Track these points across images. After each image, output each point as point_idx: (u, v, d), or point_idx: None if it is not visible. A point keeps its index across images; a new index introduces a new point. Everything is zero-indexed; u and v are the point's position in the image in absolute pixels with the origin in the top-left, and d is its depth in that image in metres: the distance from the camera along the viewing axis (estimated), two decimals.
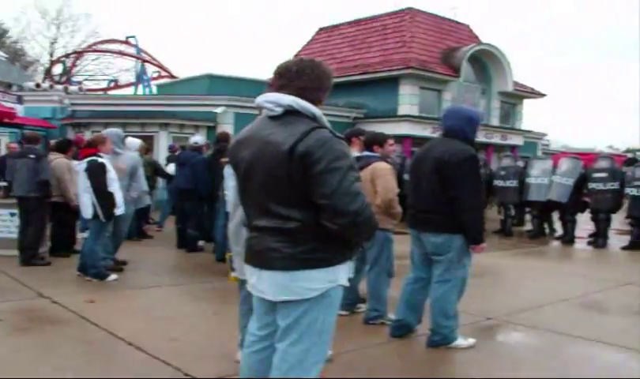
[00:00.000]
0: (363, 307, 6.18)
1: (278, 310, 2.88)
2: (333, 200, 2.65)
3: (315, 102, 2.87)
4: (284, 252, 2.76)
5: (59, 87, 24.36)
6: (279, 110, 2.83)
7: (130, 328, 5.51)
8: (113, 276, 7.70)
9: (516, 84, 25.76)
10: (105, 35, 44.75)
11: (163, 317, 6.06)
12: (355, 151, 5.72)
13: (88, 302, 6.34)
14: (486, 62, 25.11)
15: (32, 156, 8.60)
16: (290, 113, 2.81)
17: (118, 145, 8.55)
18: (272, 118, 2.86)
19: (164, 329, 5.56)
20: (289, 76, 2.88)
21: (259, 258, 2.87)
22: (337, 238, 2.77)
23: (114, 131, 8.95)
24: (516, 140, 26.17)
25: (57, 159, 9.07)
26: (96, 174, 7.53)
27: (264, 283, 2.87)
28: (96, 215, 7.54)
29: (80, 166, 7.69)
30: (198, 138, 11.78)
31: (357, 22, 27.30)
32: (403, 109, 22.71)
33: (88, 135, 17.51)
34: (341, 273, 2.87)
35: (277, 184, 2.75)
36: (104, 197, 7.55)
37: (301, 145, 2.67)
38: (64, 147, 9.55)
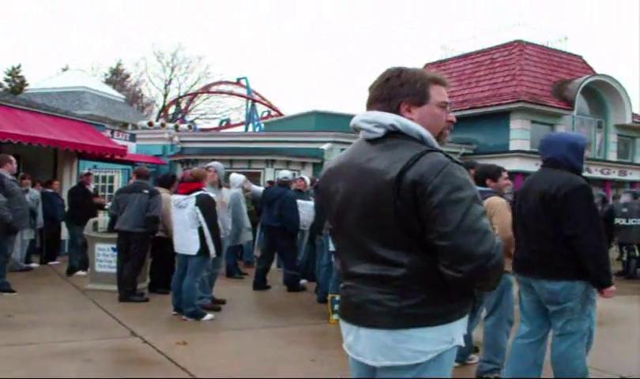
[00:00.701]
0: (475, 358, 5.57)
1: (379, 377, 2.33)
2: (456, 240, 2.08)
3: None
4: (388, 306, 2.20)
5: (170, 125, 25.10)
6: (379, 131, 2.31)
7: (220, 373, 5.16)
8: (209, 316, 7.41)
9: (635, 115, 24.28)
10: (216, 75, 46.42)
11: (257, 361, 5.68)
12: None
13: (179, 344, 6.06)
14: (602, 94, 23.86)
15: (145, 192, 8.56)
16: (392, 135, 2.29)
17: (222, 179, 8.49)
18: (372, 141, 2.35)
19: (257, 376, 5.18)
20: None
21: (356, 313, 2.31)
22: (455, 288, 2.20)
23: (220, 164, 8.92)
24: (636, 176, 24.64)
25: (161, 194, 9.00)
26: (208, 208, 7.34)
27: (362, 344, 2.30)
28: (201, 251, 7.31)
29: (187, 200, 7.38)
30: (287, 173, 11.40)
31: (465, 57, 26.66)
32: (514, 144, 21.91)
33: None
34: (458, 331, 2.28)
35: (380, 221, 2.21)
36: (216, 231, 7.37)
37: (411, 172, 2.13)
38: (168, 182, 9.49)
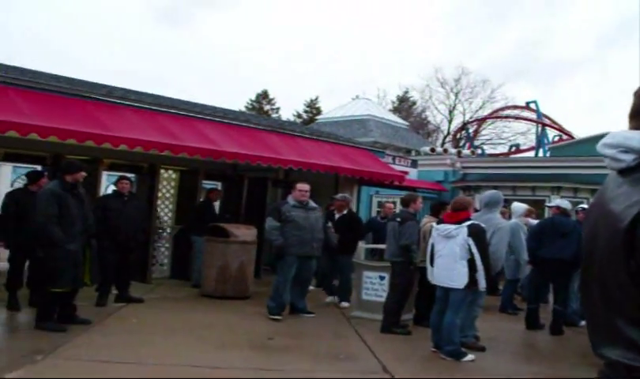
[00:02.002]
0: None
1: None
2: None
3: None
4: None
5: (452, 151, 24.77)
6: (627, 158, 1.63)
7: None
8: (470, 357, 6.78)
9: None
10: (500, 99, 45.05)
11: None
12: None
13: None
14: None
15: (397, 220, 8.31)
16: None
17: (494, 207, 8.10)
18: (622, 171, 1.66)
19: None
20: None
21: None
22: None
23: (492, 192, 8.71)
24: None
25: (428, 223, 8.59)
26: (481, 239, 6.88)
27: None
28: (468, 285, 6.76)
29: (459, 230, 6.89)
30: (562, 201, 10.06)
31: None
32: None
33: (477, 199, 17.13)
34: None
35: (618, 284, 1.53)
36: (488, 264, 6.86)
37: None
38: (437, 210, 9.05)
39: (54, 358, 5.87)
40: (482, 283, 6.79)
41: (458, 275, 6.78)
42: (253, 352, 6.69)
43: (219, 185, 14.11)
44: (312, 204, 8.92)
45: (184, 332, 7.42)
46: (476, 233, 6.80)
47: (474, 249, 6.71)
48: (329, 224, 9.93)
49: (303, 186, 8.92)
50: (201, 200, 11.92)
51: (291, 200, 8.89)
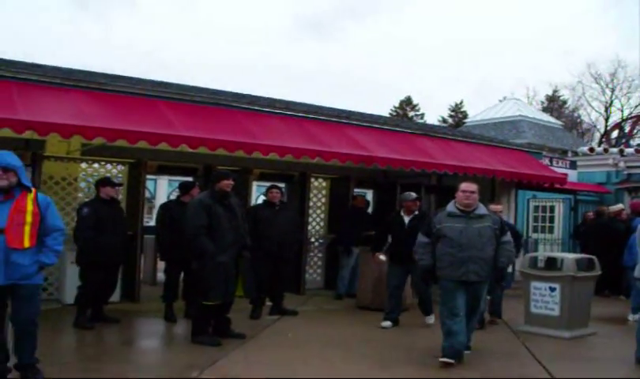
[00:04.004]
0: None
1: None
2: None
3: None
4: None
5: (613, 150, 22.90)
6: None
7: None
8: None
9: None
10: None
11: None
12: None
13: None
14: None
15: None
16: None
17: None
18: None
19: None
20: None
21: None
22: None
23: None
24: None
25: None
26: None
27: None
28: None
29: None
30: None
31: None
32: None
33: None
34: None
35: None
36: None
37: None
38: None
39: (210, 372, 5.70)
40: None
41: None
42: (416, 370, 6.16)
43: (369, 194, 13.68)
44: (482, 209, 6.57)
45: (341, 347, 7.03)
46: None
47: None
48: None
49: (469, 186, 6.54)
50: (349, 207, 11.47)
51: (451, 206, 6.59)
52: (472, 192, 6.48)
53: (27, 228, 4.83)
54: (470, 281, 6.32)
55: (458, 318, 6.24)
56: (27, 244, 4.84)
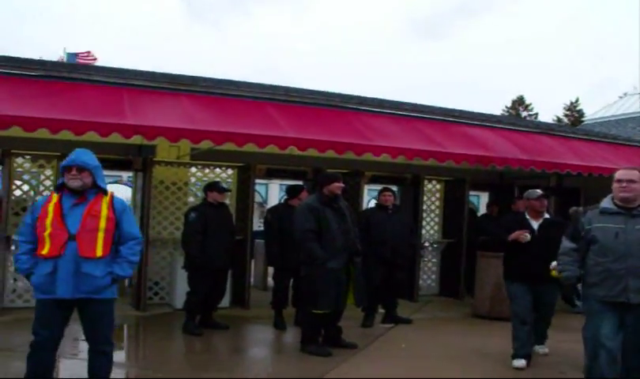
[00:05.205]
0: None
1: None
2: None
3: None
4: None
5: None
6: None
7: None
8: None
9: None
10: None
11: None
12: None
13: None
14: None
15: None
16: None
17: None
18: None
19: None
20: None
21: None
22: None
23: None
24: None
25: None
26: None
27: None
28: None
29: None
30: None
31: None
32: None
33: None
34: None
35: None
36: None
37: None
38: None
39: None
40: None
41: None
42: None
43: (483, 196, 13.07)
44: None
45: (458, 359, 6.57)
46: None
47: None
48: None
49: (626, 173, 4.86)
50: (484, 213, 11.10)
51: (606, 201, 4.92)
52: (631, 181, 4.76)
53: (100, 234, 4.31)
54: (630, 303, 4.63)
55: (604, 350, 4.64)
56: (100, 253, 4.30)
